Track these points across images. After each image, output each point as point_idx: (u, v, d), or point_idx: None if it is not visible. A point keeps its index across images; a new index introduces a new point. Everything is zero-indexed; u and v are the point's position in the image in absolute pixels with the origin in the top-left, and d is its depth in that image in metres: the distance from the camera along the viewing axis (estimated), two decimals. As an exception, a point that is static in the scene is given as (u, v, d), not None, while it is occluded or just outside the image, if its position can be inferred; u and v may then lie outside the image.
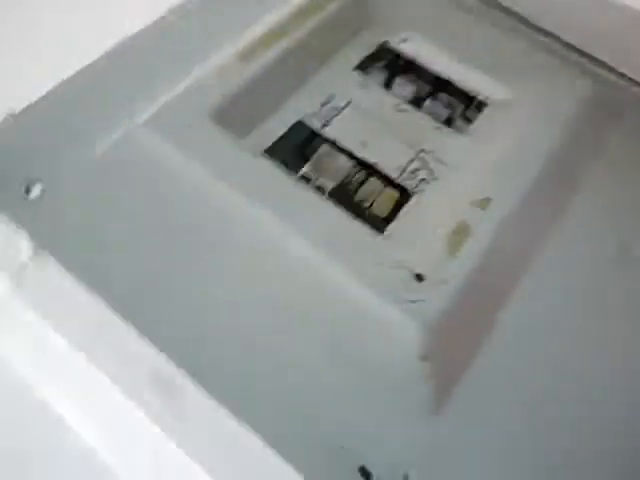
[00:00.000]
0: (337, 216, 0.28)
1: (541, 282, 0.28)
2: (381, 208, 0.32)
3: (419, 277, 0.26)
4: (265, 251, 0.27)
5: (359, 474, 0.23)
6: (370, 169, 0.34)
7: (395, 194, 0.33)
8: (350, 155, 0.34)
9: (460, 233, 0.28)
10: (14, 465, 0.31)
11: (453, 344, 0.25)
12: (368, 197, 0.33)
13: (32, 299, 0.31)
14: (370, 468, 0.23)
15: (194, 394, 0.27)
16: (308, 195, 0.29)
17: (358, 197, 0.33)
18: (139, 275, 0.28)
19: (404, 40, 0.39)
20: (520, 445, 0.23)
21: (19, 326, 0.32)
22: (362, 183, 0.34)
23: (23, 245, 0.31)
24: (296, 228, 0.27)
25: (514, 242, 0.28)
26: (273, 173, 0.29)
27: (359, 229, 0.28)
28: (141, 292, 0.28)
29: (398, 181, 0.33)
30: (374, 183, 0.34)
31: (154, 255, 0.28)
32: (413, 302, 0.25)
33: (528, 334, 0.26)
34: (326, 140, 0.34)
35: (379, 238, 0.28)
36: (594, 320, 0.26)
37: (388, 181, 0.34)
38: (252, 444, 0.25)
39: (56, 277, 0.30)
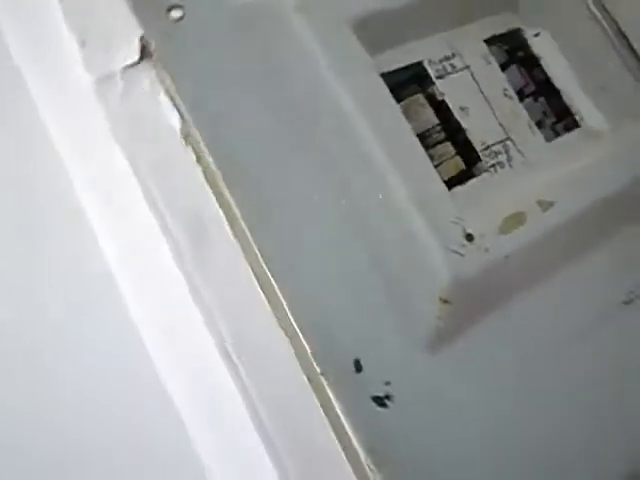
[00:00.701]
0: (422, 155, 0.31)
1: (558, 291, 0.32)
2: (444, 171, 0.35)
3: (469, 237, 0.29)
4: (355, 160, 0.29)
5: (353, 364, 0.27)
6: (451, 134, 0.36)
7: (461, 165, 0.36)
8: (439, 113, 0.36)
9: (516, 219, 0.31)
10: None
11: (472, 302, 0.29)
12: (437, 157, 0.35)
13: (118, 108, 0.33)
14: (363, 364, 0.27)
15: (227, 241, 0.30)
16: (406, 128, 0.32)
17: (429, 153, 0.35)
18: (237, 124, 0.30)
19: (536, 34, 0.41)
20: (495, 409, 0.27)
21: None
22: (437, 143, 0.36)
23: (136, 47, 0.33)
24: (389, 152, 0.29)
25: (555, 248, 0.31)
26: (386, 97, 0.32)
27: (436, 175, 0.31)
28: (231, 137, 0.30)
29: (479, 154, 0.36)
30: (447, 147, 0.36)
31: (258, 114, 0.30)
32: (456, 254, 0.28)
33: (533, 323, 0.30)
34: (428, 91, 0.37)
35: (448, 192, 0.31)
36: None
37: (462, 151, 0.36)
38: (267, 308, 0.28)
39: (151, 94, 0.32)
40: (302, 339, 0.27)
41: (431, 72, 0.36)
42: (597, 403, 0.29)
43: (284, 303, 0.27)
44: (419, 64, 0.36)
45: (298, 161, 0.30)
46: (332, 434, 0.27)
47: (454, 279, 0.28)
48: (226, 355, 0.28)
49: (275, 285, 0.27)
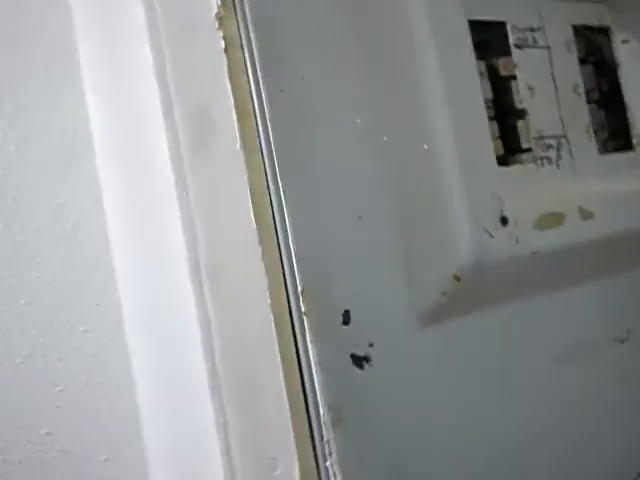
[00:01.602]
0: (484, 119, 0.29)
1: (562, 307, 0.30)
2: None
3: (504, 220, 0.26)
4: (413, 99, 0.26)
5: (342, 315, 0.24)
6: (502, 114, 0.34)
7: (500, 149, 0.33)
8: (495, 88, 0.33)
9: (554, 218, 0.28)
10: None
11: (482, 288, 0.26)
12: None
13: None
14: (352, 317, 0.24)
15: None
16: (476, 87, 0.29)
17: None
18: (288, 19, 0.26)
19: (625, 41, 0.38)
20: (468, 402, 0.25)
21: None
22: (486, 119, 0.33)
23: None
24: (451, 104, 0.27)
25: (580, 261, 0.29)
26: (467, 46, 0.29)
27: (490, 145, 0.28)
28: (276, 31, 0.26)
29: (529, 142, 0.33)
30: (492, 126, 0.33)
31: (319, 12, 0.27)
32: (486, 233, 0.25)
33: (530, 330, 0.28)
34: (491, 62, 0.33)
35: (497, 167, 0.28)
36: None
37: (507, 136, 0.34)
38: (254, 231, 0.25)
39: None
40: (293, 271, 0.24)
41: (511, 38, 0.33)
42: (572, 425, 0.28)
43: (283, 230, 0.24)
44: (502, 24, 0.33)
45: (351, 76, 0.26)
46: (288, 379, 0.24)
47: (475, 259, 0.25)
48: (196, 273, 0.25)
49: (275, 209, 0.24)
